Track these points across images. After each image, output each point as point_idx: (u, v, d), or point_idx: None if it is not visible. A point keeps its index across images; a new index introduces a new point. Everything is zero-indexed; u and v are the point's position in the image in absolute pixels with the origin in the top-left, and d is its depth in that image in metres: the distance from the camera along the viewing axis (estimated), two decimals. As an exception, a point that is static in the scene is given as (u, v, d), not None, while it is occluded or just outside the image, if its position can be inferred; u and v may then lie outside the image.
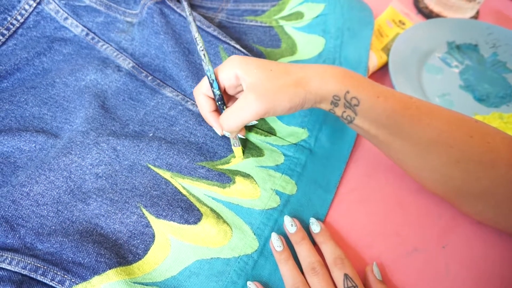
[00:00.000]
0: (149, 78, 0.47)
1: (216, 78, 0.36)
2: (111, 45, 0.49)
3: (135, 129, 0.43)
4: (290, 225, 0.36)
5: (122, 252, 0.35)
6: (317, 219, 0.38)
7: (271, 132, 0.44)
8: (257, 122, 0.35)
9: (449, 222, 0.39)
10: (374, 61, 0.49)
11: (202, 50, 0.36)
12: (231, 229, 0.37)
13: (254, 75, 0.34)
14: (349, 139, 0.44)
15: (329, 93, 0.34)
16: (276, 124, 0.45)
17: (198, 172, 0.40)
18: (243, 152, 0.42)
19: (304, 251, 0.35)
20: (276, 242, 0.35)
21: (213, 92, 0.37)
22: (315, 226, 0.36)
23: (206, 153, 0.42)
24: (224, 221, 0.37)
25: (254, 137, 0.43)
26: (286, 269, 0.34)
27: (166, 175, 0.39)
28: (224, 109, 0.38)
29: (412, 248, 0.38)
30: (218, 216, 0.37)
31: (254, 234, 0.37)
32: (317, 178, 0.41)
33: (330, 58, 0.50)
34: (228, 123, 0.35)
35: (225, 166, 0.41)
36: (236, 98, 0.41)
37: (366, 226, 0.39)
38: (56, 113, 0.43)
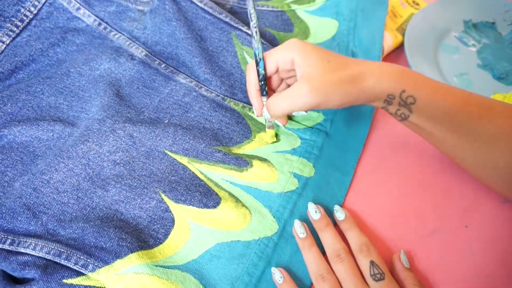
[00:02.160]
0: (162, 65, 0.47)
1: (264, 59, 0.36)
2: (123, 35, 0.49)
3: (150, 116, 0.43)
4: (314, 212, 0.36)
5: (143, 237, 0.35)
6: (337, 202, 0.38)
7: (286, 116, 0.44)
8: (305, 113, 0.35)
9: (471, 202, 0.38)
10: (389, 41, 0.48)
11: (255, 27, 0.36)
12: (250, 212, 0.37)
13: (311, 65, 0.34)
14: (366, 120, 0.43)
15: (383, 92, 0.33)
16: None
17: (215, 156, 0.40)
18: (276, 136, 0.42)
19: (329, 237, 0.34)
20: (299, 229, 0.35)
21: (257, 70, 0.37)
22: (340, 213, 0.36)
23: (222, 139, 0.42)
24: (243, 205, 0.37)
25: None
26: (310, 256, 0.34)
27: (183, 160, 0.39)
28: (265, 90, 0.38)
29: (433, 228, 0.37)
30: (236, 200, 0.37)
31: (274, 217, 0.37)
32: (334, 161, 0.41)
33: (344, 41, 0.49)
34: (276, 108, 0.35)
35: (241, 151, 0.41)
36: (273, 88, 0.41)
37: (385, 207, 0.38)
38: (72, 102, 0.43)
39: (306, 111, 0.35)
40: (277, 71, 0.37)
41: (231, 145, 0.42)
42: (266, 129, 0.41)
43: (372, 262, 0.32)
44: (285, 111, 0.35)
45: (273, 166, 0.40)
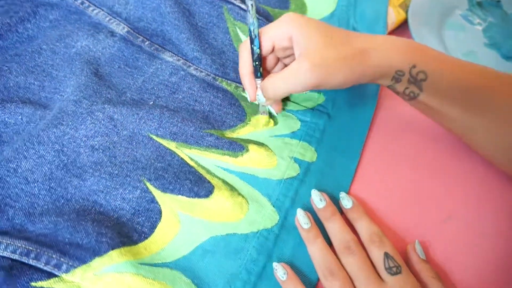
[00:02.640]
0: (146, 43, 0.42)
1: (259, 36, 0.32)
2: (103, 10, 0.44)
3: (133, 98, 0.38)
4: (318, 200, 0.32)
5: (125, 231, 0.31)
6: (342, 189, 0.34)
7: (283, 97, 0.40)
8: (306, 93, 0.32)
9: (487, 186, 0.35)
10: (393, 17, 0.45)
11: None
12: (247, 201, 0.33)
13: (312, 41, 0.30)
14: (371, 100, 0.40)
15: (391, 68, 0.30)
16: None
17: (206, 140, 0.35)
18: (273, 119, 0.38)
19: (336, 228, 0.31)
20: (302, 219, 0.31)
21: (251, 49, 0.33)
22: (346, 201, 0.32)
23: (214, 122, 0.38)
24: (239, 193, 0.33)
25: (265, 103, 0.39)
26: (316, 249, 0.30)
27: (171, 145, 0.35)
28: (259, 71, 0.34)
29: (448, 215, 0.34)
30: (231, 188, 0.33)
31: (273, 206, 0.33)
32: (338, 145, 0.37)
33: (343, 17, 0.45)
34: (273, 90, 0.32)
35: (235, 135, 0.37)
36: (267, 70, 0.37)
37: (395, 194, 0.35)
38: (44, 82, 0.38)
39: (305, 91, 0.32)
40: (273, 50, 0.34)
41: (223, 128, 0.38)
42: (259, 115, 0.37)
43: (386, 254, 0.29)
44: (283, 92, 0.32)
45: (271, 150, 0.36)
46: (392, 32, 0.46)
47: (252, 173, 0.34)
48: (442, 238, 0.33)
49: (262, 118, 0.38)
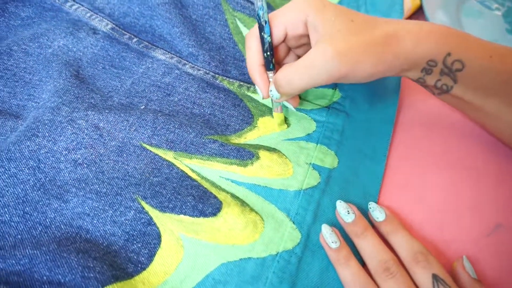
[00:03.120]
0: (134, 40, 0.37)
1: (269, 22, 0.27)
2: (82, 5, 0.39)
3: (121, 102, 0.33)
4: (346, 213, 0.27)
5: (118, 262, 0.26)
6: (371, 198, 0.30)
7: (294, 95, 0.35)
8: (319, 89, 0.27)
9: (532, 187, 0.31)
10: (408, 4, 0.41)
11: None
12: (261, 218, 0.28)
13: (332, 25, 0.25)
14: (392, 95, 0.35)
15: (423, 57, 0.26)
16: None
17: (209, 148, 0.30)
18: (286, 121, 0.33)
19: (370, 246, 0.26)
20: (329, 237, 0.26)
21: (261, 37, 0.28)
22: (378, 213, 0.28)
23: (216, 126, 0.33)
24: (252, 209, 0.28)
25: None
26: (349, 273, 0.25)
27: (168, 155, 0.30)
28: (272, 63, 0.29)
29: (495, 224, 0.29)
30: (242, 203, 0.28)
31: (293, 222, 0.28)
32: (360, 147, 0.32)
33: (353, 4, 0.41)
34: (289, 83, 0.26)
35: (243, 140, 0.32)
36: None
37: (432, 202, 0.30)
38: (15, 88, 0.33)
39: (331, 86, 0.27)
40: (285, 39, 0.29)
41: (228, 133, 0.32)
42: (274, 113, 0.32)
43: (435, 277, 0.24)
44: (301, 87, 0.27)
45: (285, 157, 0.31)
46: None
47: (265, 184, 0.29)
48: (490, 251, 0.28)
49: (277, 117, 0.33)
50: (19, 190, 0.27)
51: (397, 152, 0.33)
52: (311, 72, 0.25)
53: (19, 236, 0.26)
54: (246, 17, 0.39)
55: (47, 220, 0.27)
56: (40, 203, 0.27)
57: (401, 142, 0.34)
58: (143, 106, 0.33)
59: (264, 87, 0.29)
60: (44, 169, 0.28)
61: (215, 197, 0.28)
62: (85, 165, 0.29)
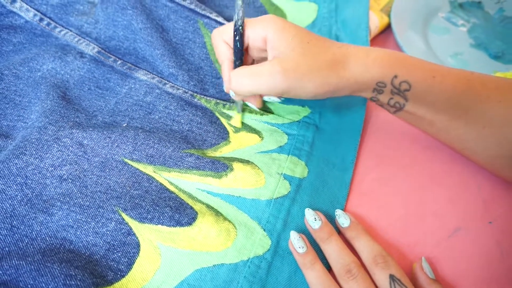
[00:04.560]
0: (118, 62, 0.40)
1: (243, 30, 0.30)
2: (71, 31, 0.42)
3: (105, 121, 0.35)
4: (313, 220, 0.29)
5: (99, 270, 0.27)
6: (338, 205, 0.32)
7: (266, 110, 0.37)
8: (278, 100, 0.30)
9: (490, 193, 0.33)
10: (376, 22, 0.43)
11: None
12: (234, 226, 0.30)
13: (288, 45, 0.28)
14: (359, 108, 0.37)
15: (371, 80, 0.28)
16: (272, 104, 0.38)
17: (186, 161, 0.32)
18: (242, 124, 0.36)
19: (334, 250, 0.28)
20: (297, 243, 0.28)
21: (234, 45, 0.30)
22: (344, 219, 0.30)
23: (193, 141, 0.35)
24: (225, 218, 0.30)
25: (248, 117, 0.37)
26: (314, 276, 0.27)
27: (148, 169, 0.32)
28: (240, 59, 0.32)
29: (454, 227, 0.31)
30: (217, 213, 0.30)
31: (264, 230, 0.30)
32: (329, 157, 0.34)
33: (326, 25, 0.44)
34: (238, 83, 0.29)
35: (218, 154, 0.34)
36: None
37: (395, 208, 0.32)
38: (5, 110, 0.35)
39: (279, 98, 0.30)
40: (247, 48, 0.32)
41: (204, 147, 0.35)
42: (235, 116, 0.36)
43: (392, 277, 0.26)
44: (247, 88, 0.29)
45: (258, 168, 0.33)
46: (377, 37, 0.45)
47: (239, 194, 0.32)
48: (450, 253, 0.30)
49: (236, 117, 0.36)
50: (7, 205, 0.29)
51: (365, 160, 0.35)
52: (258, 81, 0.28)
53: (7, 249, 0.28)
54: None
55: (33, 232, 0.29)
56: (27, 217, 0.29)
57: (369, 150, 0.36)
58: (125, 124, 0.35)
59: (227, 84, 0.32)
60: (31, 185, 0.30)
61: (191, 208, 0.30)
62: (70, 180, 0.31)
